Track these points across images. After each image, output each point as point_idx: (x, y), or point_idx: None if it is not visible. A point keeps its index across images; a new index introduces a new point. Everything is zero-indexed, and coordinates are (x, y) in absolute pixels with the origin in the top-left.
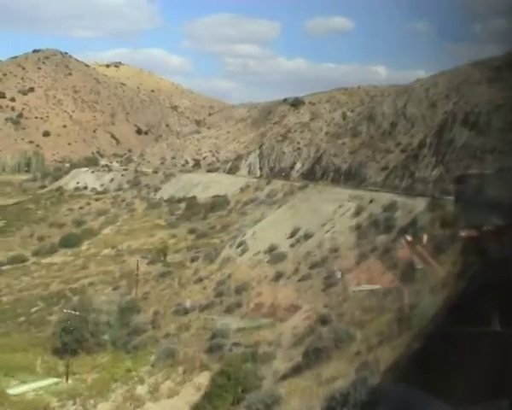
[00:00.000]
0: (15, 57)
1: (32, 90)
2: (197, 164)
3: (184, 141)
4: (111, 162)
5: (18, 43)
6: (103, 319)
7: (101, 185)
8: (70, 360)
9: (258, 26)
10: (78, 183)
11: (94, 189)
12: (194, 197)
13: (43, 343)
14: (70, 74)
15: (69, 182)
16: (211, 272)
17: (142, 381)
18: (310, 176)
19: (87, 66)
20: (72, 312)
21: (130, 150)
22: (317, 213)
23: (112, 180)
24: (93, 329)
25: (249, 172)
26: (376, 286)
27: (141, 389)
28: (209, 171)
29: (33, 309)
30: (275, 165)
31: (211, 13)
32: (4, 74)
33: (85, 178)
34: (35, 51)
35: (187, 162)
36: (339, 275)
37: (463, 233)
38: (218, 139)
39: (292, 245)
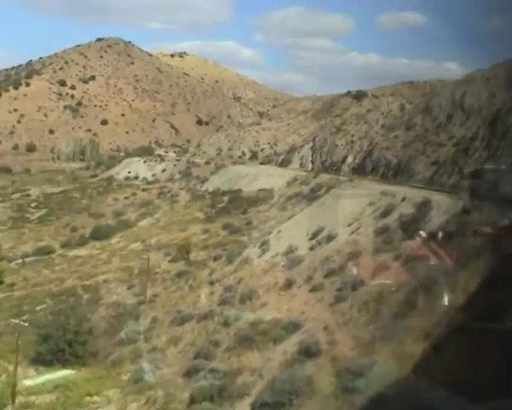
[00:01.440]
0: (78, 46)
1: (92, 78)
2: (254, 156)
3: (243, 132)
4: (166, 152)
5: (90, 34)
6: (85, 327)
7: (153, 175)
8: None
9: (331, 19)
10: (129, 172)
11: (145, 179)
12: (239, 190)
13: (28, 349)
14: (132, 63)
15: (120, 171)
16: (224, 274)
17: None
18: (360, 170)
19: (150, 55)
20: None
21: (188, 141)
22: (344, 212)
23: (164, 170)
24: (71, 338)
25: (301, 164)
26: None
27: None
28: (262, 163)
29: (39, 307)
30: (326, 158)
31: (283, 6)
32: (66, 62)
33: (137, 167)
34: (98, 40)
35: (244, 154)
36: (354, 271)
37: (478, 229)
38: (277, 131)
39: (312, 248)
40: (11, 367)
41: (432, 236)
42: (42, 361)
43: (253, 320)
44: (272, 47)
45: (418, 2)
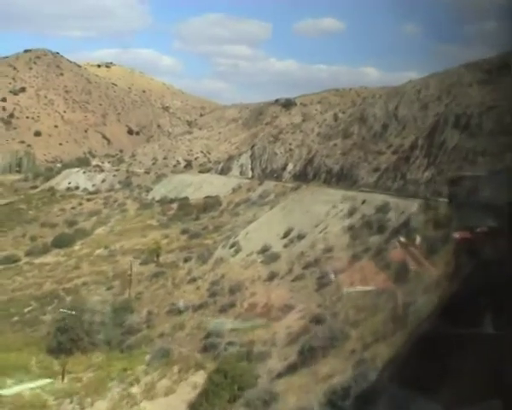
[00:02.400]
0: (6, 57)
1: (23, 90)
2: (189, 164)
3: (176, 141)
4: (102, 163)
5: (9, 43)
6: (98, 319)
7: (93, 186)
8: (65, 359)
9: (249, 26)
10: (69, 183)
11: (85, 189)
12: (186, 198)
13: (38, 343)
14: (61, 74)
15: (61, 182)
16: (204, 272)
17: (137, 380)
18: (301, 177)
19: (78, 66)
20: (68, 311)
21: (121, 151)
22: (309, 214)
23: (103, 181)
24: (88, 328)
25: (241, 172)
26: (369, 288)
27: (137, 388)
28: (201, 171)
29: (27, 309)
30: (266, 166)
31: (201, 13)
32: None
33: (77, 178)
34: (26, 51)
35: (178, 163)
36: (332, 277)
37: (457, 235)
38: (209, 140)
39: (285, 245)
40: (34, 356)
41: (410, 241)
42: (62, 350)
43: (247, 306)
44: (192, 54)
45: (336, 8)
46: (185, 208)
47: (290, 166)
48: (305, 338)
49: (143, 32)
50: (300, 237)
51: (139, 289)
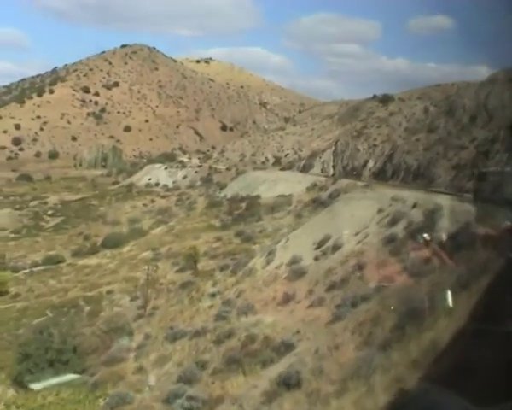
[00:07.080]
0: (103, 52)
1: (116, 84)
2: (277, 161)
3: (267, 138)
4: (190, 158)
5: (117, 41)
6: (70, 345)
7: (174, 182)
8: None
9: (359, 25)
10: (150, 179)
11: (165, 185)
12: (257, 196)
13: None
14: (156, 69)
15: (141, 178)
16: (226, 286)
17: None
18: (380, 175)
19: (174, 61)
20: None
21: (213, 147)
22: (352, 219)
23: (185, 177)
24: (53, 357)
25: (322, 170)
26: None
27: None
28: (282, 169)
29: (36, 321)
30: (348, 163)
31: (311, 12)
32: (90, 69)
33: (158, 174)
34: (123, 46)
35: (267, 159)
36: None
37: (481, 231)
38: (301, 136)
39: (316, 258)
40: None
41: (435, 238)
42: (20, 382)
43: (244, 339)
44: (301, 53)
45: (446, 5)
46: (253, 208)
47: (371, 164)
48: None
49: (253, 32)
50: (335, 247)
51: (159, 303)
